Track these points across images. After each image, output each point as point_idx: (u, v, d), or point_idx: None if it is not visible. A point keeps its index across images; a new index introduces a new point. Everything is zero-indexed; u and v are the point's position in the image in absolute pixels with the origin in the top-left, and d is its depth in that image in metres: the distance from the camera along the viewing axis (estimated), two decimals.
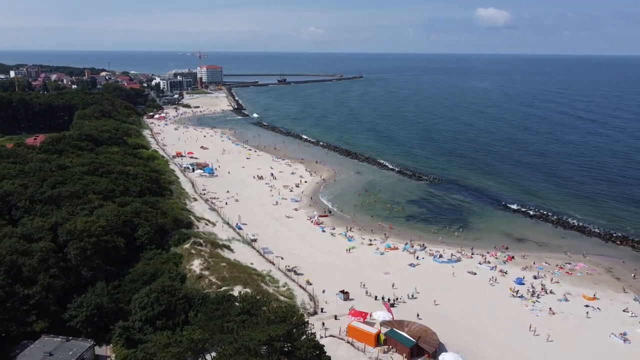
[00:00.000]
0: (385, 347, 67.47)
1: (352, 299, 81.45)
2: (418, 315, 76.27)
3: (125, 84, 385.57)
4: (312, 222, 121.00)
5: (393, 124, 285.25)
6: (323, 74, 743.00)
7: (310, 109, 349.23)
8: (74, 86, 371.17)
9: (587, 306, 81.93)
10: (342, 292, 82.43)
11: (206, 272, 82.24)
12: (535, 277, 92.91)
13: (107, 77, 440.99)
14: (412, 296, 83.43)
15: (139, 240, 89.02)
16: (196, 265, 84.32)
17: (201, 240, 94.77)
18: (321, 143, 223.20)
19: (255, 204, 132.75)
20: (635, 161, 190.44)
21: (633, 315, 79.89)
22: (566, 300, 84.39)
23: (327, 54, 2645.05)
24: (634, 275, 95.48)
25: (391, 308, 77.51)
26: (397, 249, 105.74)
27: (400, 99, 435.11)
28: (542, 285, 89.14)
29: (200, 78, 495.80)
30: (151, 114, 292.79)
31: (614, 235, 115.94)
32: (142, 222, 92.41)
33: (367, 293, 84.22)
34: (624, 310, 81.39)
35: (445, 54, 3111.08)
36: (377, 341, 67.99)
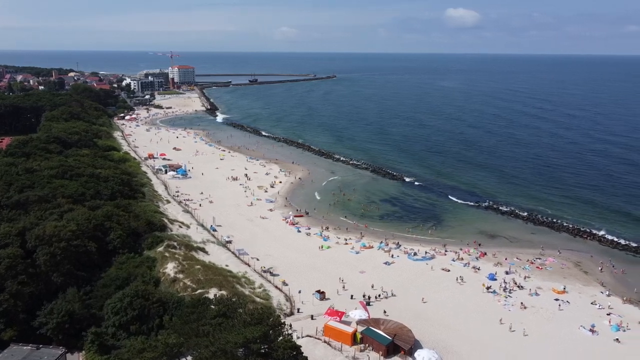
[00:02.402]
0: (362, 345, 67.89)
1: (328, 299, 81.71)
2: (385, 312, 77.28)
3: (95, 84, 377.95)
4: (287, 222, 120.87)
5: (352, 123, 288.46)
6: (296, 74, 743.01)
7: (280, 109, 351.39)
8: (40, 87, 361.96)
9: (557, 300, 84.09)
10: (319, 292, 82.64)
11: (181, 275, 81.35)
12: (507, 273, 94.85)
13: (75, 78, 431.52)
14: (392, 294, 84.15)
15: (111, 245, 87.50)
16: (170, 268, 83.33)
17: (175, 243, 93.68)
18: (295, 142, 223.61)
19: (230, 205, 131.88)
20: (596, 162, 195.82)
21: (600, 307, 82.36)
22: (537, 294, 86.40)
23: (300, 53, 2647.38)
24: (601, 269, 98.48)
25: (367, 306, 78.05)
26: (372, 247, 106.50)
27: (363, 97, 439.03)
28: (513, 280, 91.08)
29: (172, 78, 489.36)
30: (122, 115, 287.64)
31: (582, 230, 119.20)
32: (114, 225, 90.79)
33: (340, 290, 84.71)
34: (592, 303, 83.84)
35: (417, 53, 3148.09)
36: (354, 340, 68.35)
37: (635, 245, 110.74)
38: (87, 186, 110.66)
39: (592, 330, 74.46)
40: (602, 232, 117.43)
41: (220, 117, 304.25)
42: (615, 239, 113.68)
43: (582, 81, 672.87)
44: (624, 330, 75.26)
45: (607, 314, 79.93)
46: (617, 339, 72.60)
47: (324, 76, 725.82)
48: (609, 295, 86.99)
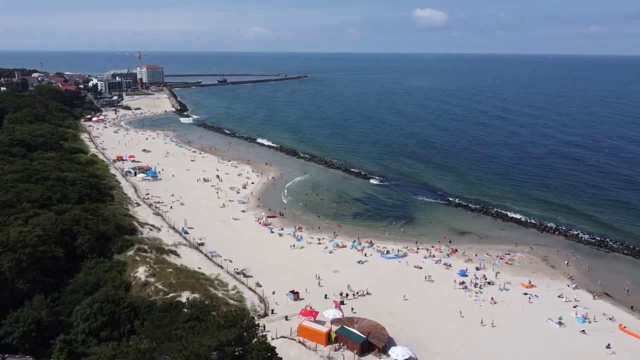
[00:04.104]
0: (336, 344, 68.19)
1: (302, 299, 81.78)
2: (352, 309, 78.10)
3: (60, 85, 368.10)
4: (260, 223, 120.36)
5: (315, 122, 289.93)
6: (267, 74, 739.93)
7: (249, 108, 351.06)
8: (2, 88, 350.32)
9: (526, 294, 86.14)
10: (292, 292, 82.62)
11: (152, 279, 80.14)
12: (477, 269, 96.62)
13: (39, 79, 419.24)
14: (367, 292, 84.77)
15: (79, 249, 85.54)
16: (141, 272, 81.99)
17: (146, 247, 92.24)
18: (266, 144, 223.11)
19: (202, 207, 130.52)
20: (559, 160, 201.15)
21: (567, 300, 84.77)
22: (506, 289, 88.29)
23: (272, 53, 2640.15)
24: (567, 263, 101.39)
25: (341, 305, 78.41)
26: (345, 246, 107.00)
27: (328, 97, 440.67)
28: (484, 276, 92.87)
29: (141, 79, 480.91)
30: (89, 116, 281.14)
31: (548, 225, 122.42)
32: (82, 230, 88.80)
33: (314, 289, 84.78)
34: (558, 296, 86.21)
35: (388, 53, 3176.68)
36: (328, 339, 68.59)
37: (599, 239, 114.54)
38: (53, 190, 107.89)
39: (559, 323, 76.58)
40: (567, 228, 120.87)
41: (190, 118, 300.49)
42: (581, 234, 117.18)
43: (545, 81, 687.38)
44: (590, 322, 77.67)
45: (574, 307, 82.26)
46: (584, 331, 74.91)
47: (294, 76, 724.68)
48: (575, 288, 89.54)
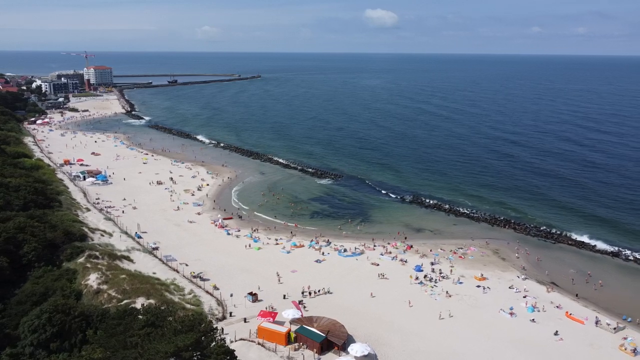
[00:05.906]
0: (296, 344, 68.20)
1: (260, 300, 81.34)
2: (305, 307, 78.67)
3: (0, 87, 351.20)
4: (216, 225, 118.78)
5: (258, 123, 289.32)
6: (220, 74, 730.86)
7: (199, 109, 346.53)
8: None
9: (479, 287, 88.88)
10: (251, 294, 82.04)
11: (104, 286, 77.69)
12: (432, 264, 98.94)
13: None
14: (328, 291, 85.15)
15: (25, 258, 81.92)
16: (93, 279, 79.35)
17: (97, 253, 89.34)
18: (222, 144, 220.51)
19: (155, 211, 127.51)
20: (502, 155, 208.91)
21: (517, 291, 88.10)
22: (460, 282, 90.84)
23: (223, 53, 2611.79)
24: (517, 255, 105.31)
25: (300, 305, 78.50)
26: (303, 246, 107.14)
27: (274, 98, 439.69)
28: (439, 270, 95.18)
29: (88, 80, 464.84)
30: (33, 119, 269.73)
31: (499, 219, 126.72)
32: (28, 237, 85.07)
33: (273, 290, 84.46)
34: (509, 287, 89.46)
35: (339, 52, 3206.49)
36: (288, 339, 68.51)
37: (545, 228, 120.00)
38: None
39: (511, 313, 79.51)
40: (516, 221, 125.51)
41: (141, 120, 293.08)
42: (528, 226, 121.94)
43: (488, 80, 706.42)
44: (539, 311, 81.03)
45: (524, 297, 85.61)
46: (533, 319, 78.08)
47: (248, 76, 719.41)
48: (524, 279, 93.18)
